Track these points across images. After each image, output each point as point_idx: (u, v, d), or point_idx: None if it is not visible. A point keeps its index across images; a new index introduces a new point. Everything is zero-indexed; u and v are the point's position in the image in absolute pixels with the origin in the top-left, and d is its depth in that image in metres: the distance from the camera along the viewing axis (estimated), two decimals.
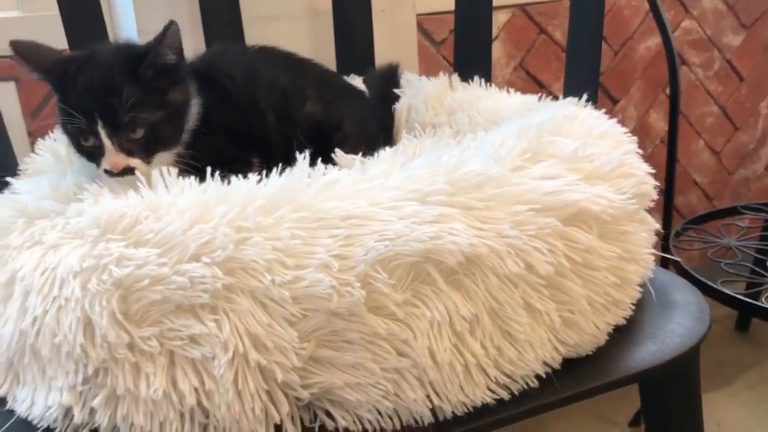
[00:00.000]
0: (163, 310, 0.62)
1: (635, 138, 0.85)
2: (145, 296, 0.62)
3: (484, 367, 0.64)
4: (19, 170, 0.95)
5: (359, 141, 0.93)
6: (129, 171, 0.76)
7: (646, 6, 1.88)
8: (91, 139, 0.76)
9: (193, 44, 1.20)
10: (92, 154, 0.77)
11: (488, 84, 1.09)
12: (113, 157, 0.75)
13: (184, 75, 0.79)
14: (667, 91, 1.93)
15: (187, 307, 0.62)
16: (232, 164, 0.75)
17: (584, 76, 1.03)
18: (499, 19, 1.78)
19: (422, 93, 1.06)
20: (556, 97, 0.99)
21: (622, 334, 0.75)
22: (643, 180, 0.77)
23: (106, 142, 0.75)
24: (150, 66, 0.75)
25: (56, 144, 0.94)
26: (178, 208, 0.65)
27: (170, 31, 0.74)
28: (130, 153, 0.76)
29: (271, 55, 0.94)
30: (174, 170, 0.73)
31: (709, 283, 1.40)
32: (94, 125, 0.74)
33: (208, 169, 0.70)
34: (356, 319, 0.61)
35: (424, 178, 0.67)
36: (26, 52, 0.77)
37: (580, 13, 1.03)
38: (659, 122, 1.94)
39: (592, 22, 1.02)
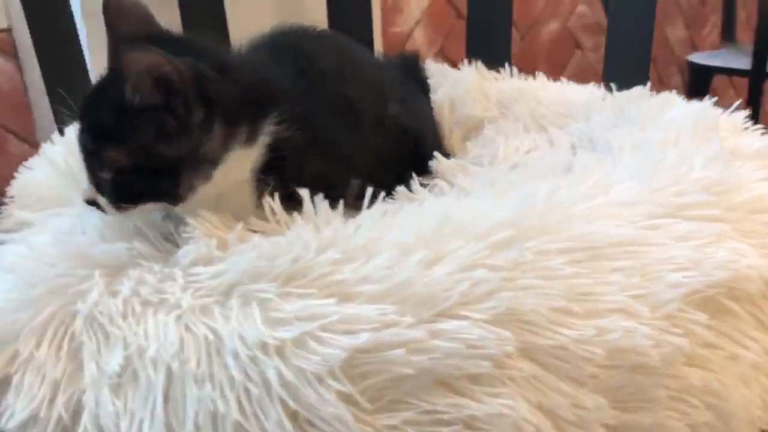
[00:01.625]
0: (411, 386, 0.46)
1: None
2: (386, 370, 0.45)
3: None
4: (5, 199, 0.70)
5: (434, 145, 0.78)
6: (98, 205, 0.57)
7: None
8: None
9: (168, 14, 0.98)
10: None
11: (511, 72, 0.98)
12: (84, 184, 0.58)
13: (194, 124, 0.55)
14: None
15: (446, 380, 0.46)
16: (335, 190, 0.58)
17: (634, 66, 0.94)
18: (421, 3, 1.68)
19: (462, 85, 0.93)
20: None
21: None
22: None
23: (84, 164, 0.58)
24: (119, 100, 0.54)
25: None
26: (390, 246, 0.49)
27: (128, 61, 0.51)
28: (99, 188, 0.57)
29: (340, 42, 0.76)
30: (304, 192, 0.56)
31: None
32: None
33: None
34: (670, 371, 0.48)
35: (663, 187, 0.55)
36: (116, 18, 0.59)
37: None
38: None
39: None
